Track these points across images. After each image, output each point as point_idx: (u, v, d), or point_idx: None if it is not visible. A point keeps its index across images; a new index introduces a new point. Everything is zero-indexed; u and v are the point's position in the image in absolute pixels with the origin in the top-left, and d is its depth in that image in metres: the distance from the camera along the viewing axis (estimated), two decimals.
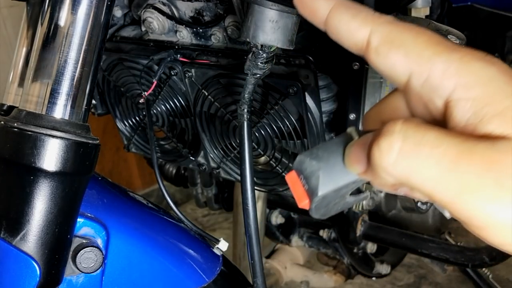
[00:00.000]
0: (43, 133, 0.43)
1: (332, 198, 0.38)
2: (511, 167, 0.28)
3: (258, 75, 0.53)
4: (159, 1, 0.73)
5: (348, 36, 0.34)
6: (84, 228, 0.50)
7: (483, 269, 1.38)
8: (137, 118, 0.86)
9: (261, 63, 0.52)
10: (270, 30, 0.50)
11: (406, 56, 0.32)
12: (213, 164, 0.83)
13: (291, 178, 0.38)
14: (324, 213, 0.39)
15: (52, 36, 0.45)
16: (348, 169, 0.35)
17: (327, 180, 0.37)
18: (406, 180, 0.30)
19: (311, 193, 0.38)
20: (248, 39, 0.51)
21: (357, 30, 0.33)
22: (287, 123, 0.67)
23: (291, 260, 1.38)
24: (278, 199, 1.18)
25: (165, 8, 0.73)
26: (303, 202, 0.38)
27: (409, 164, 0.29)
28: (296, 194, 0.38)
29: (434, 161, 0.29)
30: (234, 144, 0.76)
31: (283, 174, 0.74)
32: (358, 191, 0.40)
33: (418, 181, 0.30)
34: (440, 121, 0.32)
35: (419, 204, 1.02)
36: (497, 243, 0.29)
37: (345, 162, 0.35)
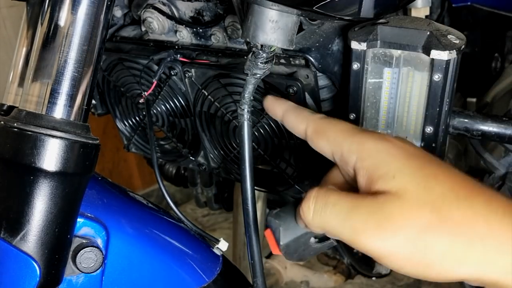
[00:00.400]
0: (43, 133, 0.43)
1: (296, 245, 0.53)
2: (388, 212, 0.39)
3: (258, 75, 0.53)
4: (159, 1, 0.73)
5: (295, 128, 0.51)
6: (84, 228, 0.50)
7: None
8: (137, 118, 0.86)
9: (261, 63, 0.52)
10: (270, 30, 0.50)
11: (327, 141, 0.47)
12: (213, 164, 0.83)
13: (267, 233, 0.54)
14: (298, 257, 0.54)
15: (52, 36, 0.45)
16: (298, 224, 0.51)
17: (285, 233, 0.53)
18: (323, 229, 0.43)
19: (278, 243, 0.53)
20: (248, 39, 0.51)
21: (299, 125, 0.51)
22: None
23: None
24: (278, 199, 1.18)
25: (165, 8, 0.73)
26: (276, 250, 0.54)
27: (320, 218, 0.43)
28: (271, 244, 0.54)
29: (334, 215, 0.42)
30: (234, 144, 0.76)
31: (284, 174, 0.74)
32: (325, 239, 0.53)
33: (329, 229, 0.43)
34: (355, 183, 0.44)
35: None
36: (397, 269, 0.40)
37: (296, 219, 0.51)
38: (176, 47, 0.74)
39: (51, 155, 0.43)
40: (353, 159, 0.44)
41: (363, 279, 1.64)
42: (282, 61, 0.65)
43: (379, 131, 0.62)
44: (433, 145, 0.59)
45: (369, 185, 0.42)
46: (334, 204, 0.42)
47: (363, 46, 0.56)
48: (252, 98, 0.54)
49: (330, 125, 0.47)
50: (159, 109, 0.80)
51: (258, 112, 0.69)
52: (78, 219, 0.49)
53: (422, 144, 0.60)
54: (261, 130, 0.70)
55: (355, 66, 0.58)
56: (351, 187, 0.46)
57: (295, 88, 0.63)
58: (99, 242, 0.51)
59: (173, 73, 0.73)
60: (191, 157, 0.84)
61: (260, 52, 0.52)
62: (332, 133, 0.46)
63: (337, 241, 0.51)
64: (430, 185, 0.39)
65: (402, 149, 0.42)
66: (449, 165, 0.43)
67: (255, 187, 0.75)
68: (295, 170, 0.73)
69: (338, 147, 0.45)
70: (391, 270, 1.30)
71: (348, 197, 0.42)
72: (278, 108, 0.54)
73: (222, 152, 0.79)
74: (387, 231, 0.39)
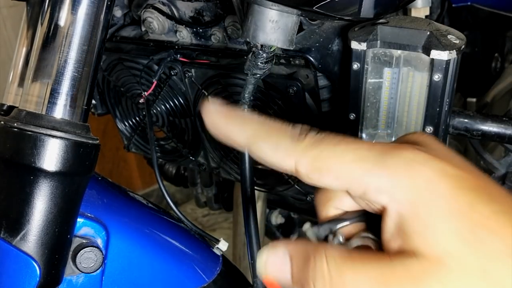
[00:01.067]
0: (43, 133, 0.43)
1: None
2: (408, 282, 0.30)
3: (258, 75, 0.53)
4: (159, 1, 0.73)
5: (276, 165, 0.35)
6: (84, 228, 0.50)
7: None
8: (137, 118, 0.86)
9: (261, 63, 0.52)
10: (270, 30, 0.50)
11: (337, 179, 0.33)
12: (213, 164, 0.83)
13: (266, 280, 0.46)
14: None
15: (52, 36, 0.45)
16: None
17: None
18: None
19: None
20: (248, 39, 0.51)
21: (282, 163, 0.34)
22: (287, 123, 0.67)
23: None
24: (278, 199, 1.18)
25: (165, 8, 0.73)
26: None
27: None
28: None
29: None
30: None
31: (283, 174, 0.74)
32: None
33: None
34: (380, 213, 0.34)
35: None
36: None
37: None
38: (176, 47, 0.74)
39: (51, 155, 0.43)
40: (383, 199, 0.33)
41: None
42: (282, 61, 0.65)
43: (379, 131, 0.62)
44: None
45: (401, 238, 0.32)
46: (356, 280, 0.32)
47: (363, 46, 0.56)
48: (252, 98, 0.54)
49: (335, 155, 0.34)
50: (159, 109, 0.80)
51: (258, 112, 0.69)
52: (78, 219, 0.49)
53: None
54: None
55: (355, 66, 0.58)
56: (362, 214, 0.37)
57: (295, 88, 0.63)
58: (99, 242, 0.51)
59: (173, 73, 0.73)
60: (191, 157, 0.84)
61: (260, 52, 0.52)
62: (342, 168, 0.33)
63: None
64: (480, 239, 0.31)
65: (447, 180, 0.32)
66: (491, 180, 0.34)
67: (255, 187, 0.75)
68: None
69: (356, 185, 0.33)
70: None
71: (373, 265, 0.32)
72: (236, 134, 0.36)
73: (222, 152, 0.79)
74: None
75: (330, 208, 0.38)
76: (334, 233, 0.37)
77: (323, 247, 0.33)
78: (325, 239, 0.37)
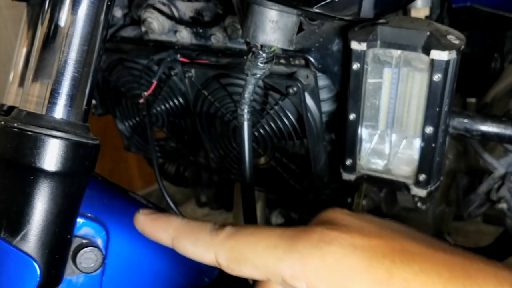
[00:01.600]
0: (43, 133, 0.43)
1: None
2: None
3: (258, 75, 0.53)
4: (159, 1, 0.73)
5: (198, 258, 0.37)
6: (84, 228, 0.50)
7: None
8: (137, 118, 0.86)
9: (261, 63, 0.52)
10: (270, 30, 0.50)
11: (255, 268, 0.34)
12: (213, 164, 0.83)
13: None
14: None
15: (52, 36, 0.45)
16: None
17: None
18: None
19: None
20: (248, 39, 0.51)
21: (204, 256, 0.37)
22: (287, 123, 0.67)
23: None
24: (278, 199, 1.18)
25: (165, 8, 0.73)
26: None
27: None
28: None
29: None
30: (234, 144, 0.76)
31: (283, 174, 0.74)
32: None
33: None
34: None
35: (419, 204, 1.02)
36: None
37: None
38: (176, 47, 0.74)
39: (51, 155, 0.43)
40: (301, 285, 0.33)
41: None
42: (282, 61, 0.65)
43: (379, 131, 0.62)
44: (433, 145, 0.59)
45: None
46: None
47: (363, 46, 0.56)
48: (252, 98, 0.54)
49: (248, 245, 0.35)
50: (159, 109, 0.80)
51: (258, 112, 0.69)
52: (78, 219, 0.49)
53: (422, 145, 0.60)
54: (261, 130, 0.70)
55: (355, 66, 0.58)
56: None
57: (295, 88, 0.63)
58: (99, 242, 0.51)
59: (173, 73, 0.73)
60: (191, 157, 0.84)
61: (260, 52, 0.52)
62: (257, 257, 0.34)
63: None
64: None
65: (358, 253, 0.32)
66: (413, 234, 0.34)
67: (255, 187, 0.75)
68: (295, 170, 0.73)
69: (273, 273, 0.34)
70: None
71: None
72: (161, 234, 0.40)
73: (222, 152, 0.79)
74: None
75: None
76: None
77: None
78: None
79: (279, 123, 0.68)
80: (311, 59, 0.62)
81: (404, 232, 0.35)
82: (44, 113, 0.45)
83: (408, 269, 0.31)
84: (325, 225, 0.34)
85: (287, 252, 0.33)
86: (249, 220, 0.55)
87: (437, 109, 0.57)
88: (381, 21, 0.57)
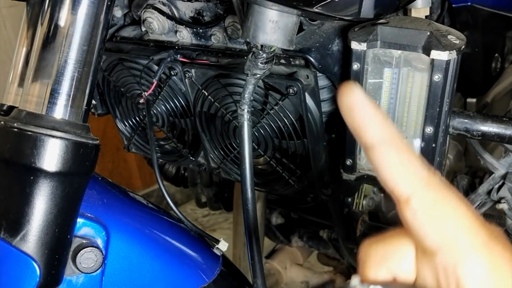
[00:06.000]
0: (43, 133, 0.43)
1: None
2: None
3: (258, 75, 0.53)
4: (159, 1, 0.73)
5: (388, 181, 0.31)
6: (84, 228, 0.50)
7: None
8: (137, 118, 0.86)
9: (261, 63, 0.52)
10: (270, 30, 0.50)
11: (443, 236, 0.29)
12: (213, 164, 0.83)
13: None
14: None
15: (52, 36, 0.45)
16: None
17: None
18: None
19: None
20: (248, 40, 0.51)
21: (401, 182, 0.30)
22: (287, 123, 0.67)
23: (291, 260, 1.38)
24: (278, 199, 1.17)
25: (165, 8, 0.73)
26: None
27: None
28: None
29: None
30: (234, 144, 0.76)
31: (283, 174, 0.74)
32: None
33: None
34: None
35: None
36: None
37: None
38: (176, 47, 0.74)
39: (51, 155, 0.43)
40: (469, 283, 0.29)
41: None
42: (282, 61, 0.65)
43: None
44: (433, 145, 0.59)
45: None
46: None
47: (363, 46, 0.56)
48: (252, 98, 0.54)
49: (452, 209, 0.30)
50: (159, 109, 0.80)
51: (258, 112, 0.69)
52: (78, 219, 0.49)
53: (422, 145, 0.60)
54: (261, 130, 0.70)
55: (355, 66, 0.58)
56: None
57: (295, 89, 0.63)
58: (99, 242, 0.51)
59: (173, 73, 0.73)
60: (191, 157, 0.84)
61: (260, 52, 0.52)
62: (454, 228, 0.29)
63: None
64: None
65: None
66: None
67: (255, 187, 0.75)
68: (295, 170, 0.73)
69: (453, 256, 0.29)
70: None
71: None
72: (375, 127, 0.31)
73: (222, 152, 0.79)
74: None
75: (382, 269, 0.33)
76: None
77: None
78: None
79: (279, 123, 0.68)
80: (311, 59, 0.62)
81: None
82: (44, 113, 0.45)
83: None
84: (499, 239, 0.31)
85: (482, 248, 0.29)
86: (249, 220, 0.55)
87: (437, 109, 0.57)
88: (381, 21, 0.56)
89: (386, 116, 0.31)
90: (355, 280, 0.32)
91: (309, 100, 0.65)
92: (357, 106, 0.31)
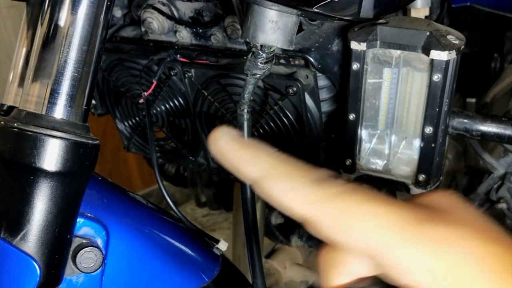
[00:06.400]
0: (43, 133, 0.43)
1: None
2: None
3: (258, 75, 0.53)
4: (158, 1, 0.73)
5: (286, 208, 0.30)
6: (84, 228, 0.50)
7: None
8: (137, 118, 0.86)
9: (260, 63, 0.52)
10: (269, 30, 0.50)
11: (357, 243, 0.29)
12: (213, 164, 0.83)
13: None
14: None
15: (52, 36, 0.45)
16: None
17: None
18: None
19: None
20: (247, 39, 0.51)
21: (296, 207, 0.30)
22: (287, 123, 0.67)
23: (291, 260, 1.38)
24: None
25: (164, 9, 0.73)
26: None
27: None
28: None
29: None
30: None
31: None
32: None
33: None
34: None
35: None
36: None
37: None
38: (176, 47, 0.74)
39: (51, 155, 0.43)
40: (406, 280, 0.28)
41: None
42: (282, 61, 0.65)
43: (378, 131, 0.62)
44: (433, 145, 0.59)
45: None
46: None
47: (362, 46, 0.57)
48: (251, 98, 0.54)
49: (359, 214, 0.29)
50: (159, 109, 0.80)
51: (258, 112, 0.69)
52: (78, 219, 0.49)
53: (421, 145, 0.60)
54: (261, 130, 0.70)
55: (355, 66, 0.58)
56: (378, 282, 0.31)
57: (294, 89, 0.63)
58: (99, 242, 0.51)
59: (173, 73, 0.73)
60: (191, 157, 0.84)
61: (260, 52, 0.52)
62: (365, 232, 0.28)
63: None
64: None
65: (477, 261, 0.28)
66: None
67: None
68: None
69: (377, 255, 0.28)
70: None
71: None
72: (249, 167, 0.31)
73: None
74: None
75: (341, 274, 0.32)
76: None
77: None
78: None
79: (279, 123, 0.68)
80: (311, 59, 0.62)
81: (505, 235, 0.30)
82: (44, 113, 0.45)
83: None
84: (444, 216, 0.29)
85: (402, 241, 0.28)
86: (249, 220, 0.55)
87: (437, 109, 0.57)
88: (381, 21, 0.57)
89: (259, 148, 0.31)
90: None
91: (308, 100, 0.65)
92: (227, 152, 0.31)
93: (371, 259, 0.29)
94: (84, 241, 0.50)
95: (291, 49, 0.53)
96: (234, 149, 0.32)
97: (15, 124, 0.44)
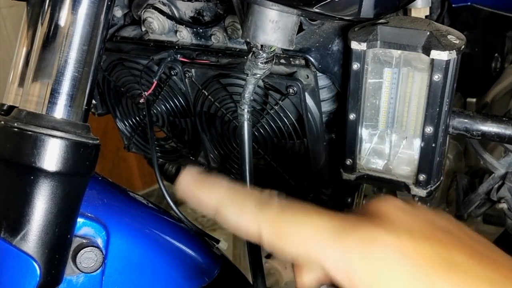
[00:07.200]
0: (43, 133, 0.43)
1: None
2: None
3: (258, 75, 0.53)
4: (159, 1, 0.73)
5: (241, 230, 0.36)
6: (84, 228, 0.50)
7: None
8: (137, 118, 0.86)
9: (261, 63, 0.52)
10: (270, 30, 0.50)
11: (296, 250, 0.34)
12: (213, 164, 0.83)
13: None
14: None
15: (52, 36, 0.45)
16: None
17: None
18: None
19: None
20: (248, 39, 0.51)
21: (246, 228, 0.35)
22: (287, 123, 0.67)
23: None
24: None
25: (165, 8, 0.73)
26: None
27: None
28: None
29: None
30: (234, 144, 0.76)
31: (283, 174, 0.74)
32: None
33: None
34: None
35: (419, 204, 1.02)
36: None
37: None
38: (176, 47, 0.74)
39: (51, 155, 0.43)
40: (341, 279, 0.32)
41: None
42: (282, 61, 0.65)
43: (379, 131, 0.62)
44: (433, 145, 0.59)
45: None
46: None
47: (363, 46, 0.56)
48: (252, 98, 0.54)
49: (295, 225, 0.34)
50: (159, 109, 0.80)
51: (258, 112, 0.69)
52: (78, 219, 0.49)
53: (422, 145, 0.60)
54: (261, 130, 0.70)
55: (355, 66, 0.58)
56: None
57: (295, 88, 0.63)
58: (99, 242, 0.51)
59: (173, 73, 0.73)
60: (191, 157, 0.84)
61: (260, 52, 0.52)
62: (301, 240, 0.33)
63: None
64: None
65: (404, 261, 0.31)
66: (463, 237, 0.34)
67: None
68: (295, 170, 0.73)
69: (315, 259, 0.33)
70: None
71: None
72: (206, 198, 0.38)
73: (222, 152, 0.79)
74: None
75: (305, 277, 0.37)
76: None
77: None
78: None
79: (279, 123, 0.68)
80: (311, 59, 0.62)
81: (454, 235, 0.34)
82: (44, 112, 0.45)
83: (450, 281, 0.31)
84: (375, 219, 0.34)
85: (332, 244, 0.32)
86: None
87: (437, 109, 0.57)
88: (381, 21, 0.57)
89: (214, 183, 0.38)
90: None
91: (309, 100, 0.65)
92: (189, 191, 0.38)
93: (312, 264, 0.34)
94: (84, 241, 0.50)
95: (292, 49, 0.53)
96: (193, 186, 0.38)
97: (15, 124, 0.44)
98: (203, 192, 0.38)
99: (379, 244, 0.32)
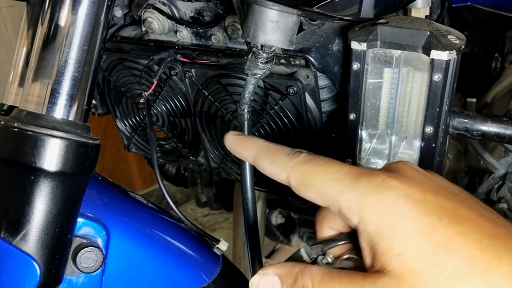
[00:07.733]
0: (43, 133, 0.43)
1: None
2: None
3: (258, 75, 0.53)
4: (159, 1, 0.73)
5: (273, 177, 0.42)
6: (84, 228, 0.50)
7: None
8: (137, 118, 0.86)
9: (261, 63, 0.52)
10: (270, 30, 0.50)
11: (318, 195, 0.39)
12: (213, 164, 0.83)
13: None
14: None
15: (52, 36, 0.45)
16: None
17: None
18: None
19: None
20: (248, 39, 0.51)
21: (278, 174, 0.41)
22: (287, 123, 0.67)
23: None
24: (278, 199, 1.18)
25: (165, 8, 0.73)
26: None
27: None
28: None
29: None
30: None
31: None
32: None
33: None
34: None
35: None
36: None
37: None
38: (177, 47, 0.74)
39: (52, 155, 0.43)
40: (354, 219, 0.37)
41: None
42: (282, 61, 0.65)
43: (379, 131, 0.62)
44: (433, 145, 0.59)
45: (372, 257, 0.36)
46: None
47: (363, 46, 0.56)
48: (252, 98, 0.54)
49: (317, 173, 0.39)
50: (159, 109, 0.80)
51: (258, 112, 0.69)
52: (78, 219, 0.49)
53: (422, 145, 0.60)
54: (261, 130, 0.70)
55: (355, 66, 0.58)
56: (352, 235, 0.41)
57: (295, 88, 0.63)
58: (99, 242, 0.51)
59: (173, 73, 0.73)
60: (191, 157, 0.84)
61: (260, 52, 0.52)
62: (322, 185, 0.38)
63: None
64: (441, 260, 0.33)
65: (411, 205, 0.35)
66: (471, 202, 0.37)
67: (255, 187, 0.75)
68: None
69: (333, 202, 0.38)
70: None
71: (348, 283, 0.36)
72: (245, 152, 0.45)
73: (222, 152, 0.79)
74: None
75: (325, 228, 0.43)
76: (324, 254, 0.42)
77: (308, 268, 0.38)
78: (317, 258, 0.42)
79: (279, 123, 0.68)
80: (311, 59, 0.62)
81: (463, 198, 0.37)
82: (44, 112, 0.45)
83: (452, 229, 0.34)
84: (390, 173, 0.37)
85: (348, 188, 0.37)
86: (249, 220, 0.55)
87: (437, 109, 0.57)
88: (381, 21, 0.57)
89: (252, 139, 0.46)
90: (301, 247, 0.42)
91: (309, 100, 0.65)
92: (233, 145, 0.47)
93: (331, 209, 0.38)
94: (84, 241, 0.50)
95: (292, 49, 0.53)
96: (235, 143, 0.47)
97: (16, 124, 0.44)
98: (244, 147, 0.45)
99: (391, 191, 0.36)
